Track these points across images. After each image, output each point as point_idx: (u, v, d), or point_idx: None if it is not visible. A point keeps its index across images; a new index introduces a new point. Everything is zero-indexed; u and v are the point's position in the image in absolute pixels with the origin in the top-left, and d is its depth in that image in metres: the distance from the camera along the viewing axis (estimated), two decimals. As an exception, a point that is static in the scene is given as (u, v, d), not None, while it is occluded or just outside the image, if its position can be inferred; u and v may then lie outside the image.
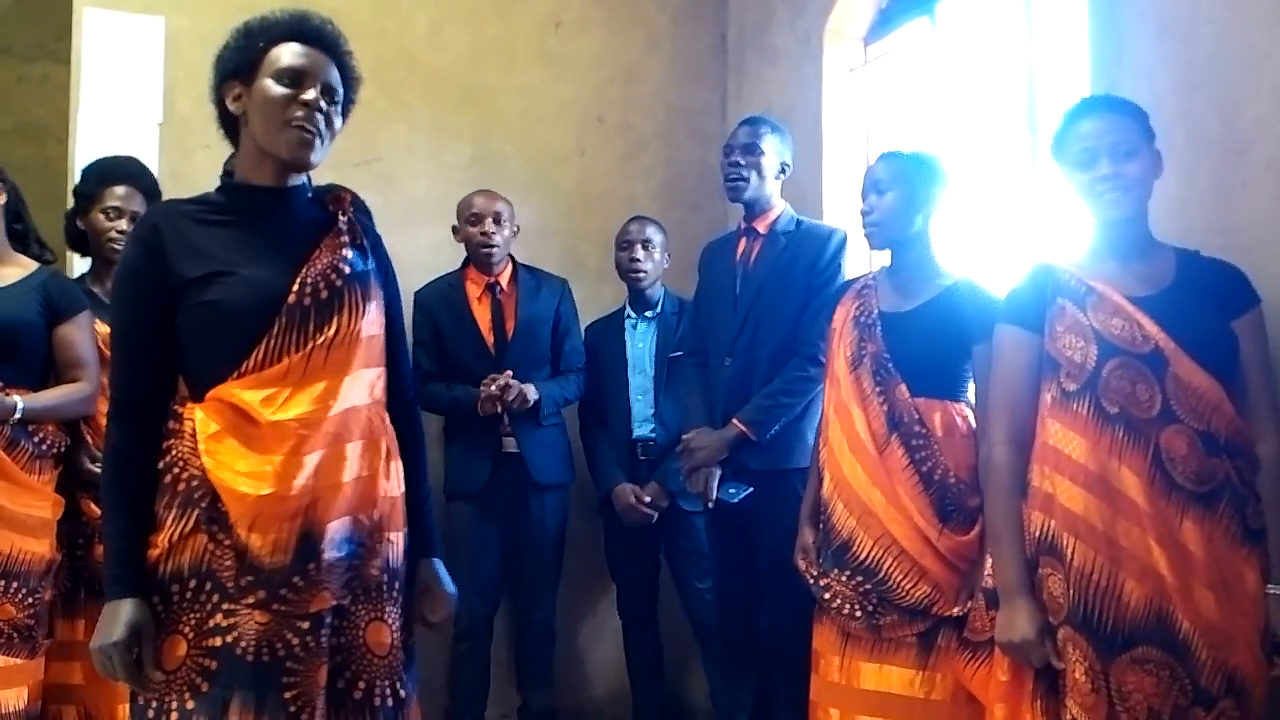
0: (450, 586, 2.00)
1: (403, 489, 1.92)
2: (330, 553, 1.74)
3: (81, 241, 3.10)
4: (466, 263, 3.67)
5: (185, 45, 3.55)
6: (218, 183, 2.03)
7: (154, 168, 3.22)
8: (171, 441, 1.78)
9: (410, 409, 2.03)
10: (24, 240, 2.90)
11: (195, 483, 1.74)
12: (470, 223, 3.60)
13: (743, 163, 3.17)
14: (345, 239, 1.88)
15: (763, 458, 3.00)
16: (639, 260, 3.69)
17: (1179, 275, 2.08)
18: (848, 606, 2.44)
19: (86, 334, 2.81)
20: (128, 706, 1.80)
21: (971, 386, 2.52)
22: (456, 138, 4.08)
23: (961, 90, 3.47)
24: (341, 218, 1.90)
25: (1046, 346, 2.10)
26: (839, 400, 2.55)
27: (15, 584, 2.59)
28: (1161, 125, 2.15)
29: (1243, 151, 2.33)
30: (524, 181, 3.86)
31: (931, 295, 2.56)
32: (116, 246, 2.92)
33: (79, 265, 3.26)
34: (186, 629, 1.72)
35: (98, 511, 2.73)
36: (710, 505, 3.09)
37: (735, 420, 3.02)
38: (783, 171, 3.23)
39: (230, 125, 1.90)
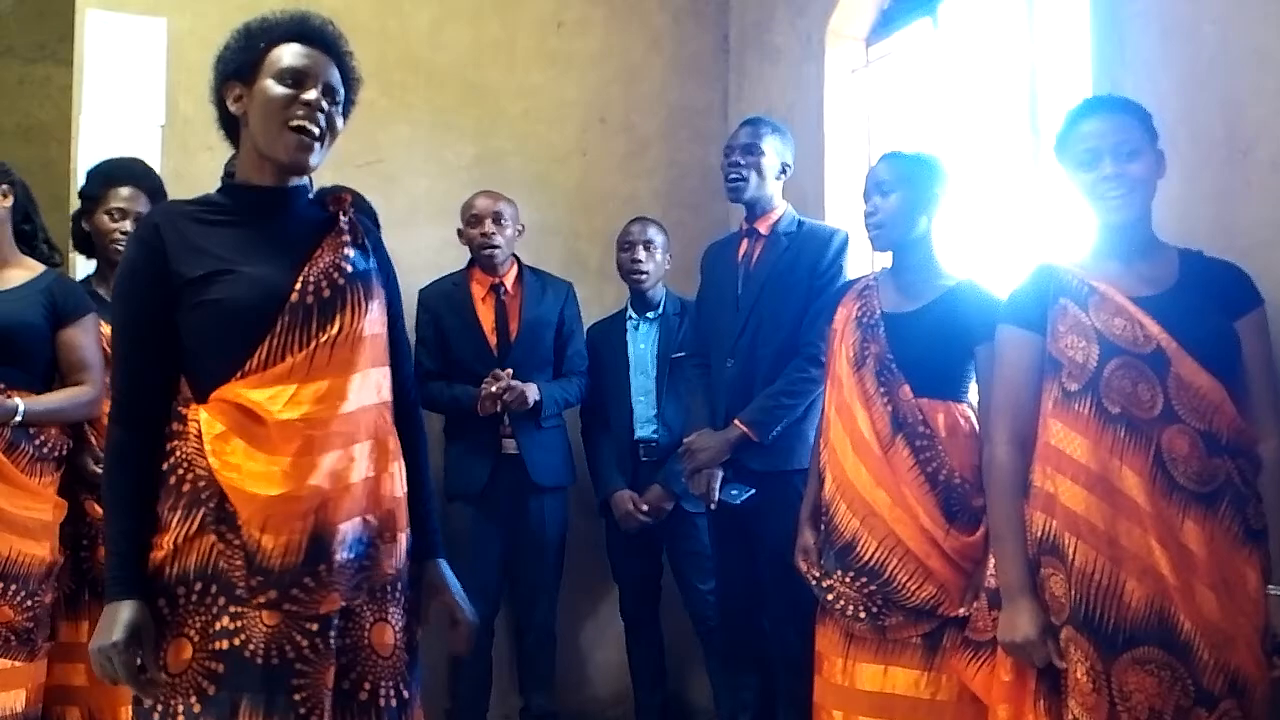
0: (460, 592, 1.99)
1: (405, 490, 1.91)
2: (341, 554, 1.74)
3: (87, 243, 3.10)
4: (472, 263, 3.67)
5: (187, 47, 3.55)
6: (220, 184, 2.02)
7: (156, 169, 3.22)
8: (175, 443, 1.78)
9: (412, 409, 2.03)
10: (32, 241, 2.90)
11: (202, 484, 1.73)
12: (471, 224, 3.60)
13: (743, 163, 3.17)
14: (346, 238, 1.87)
15: (764, 459, 3.00)
16: (640, 261, 3.69)
17: (1182, 276, 2.07)
18: (851, 608, 2.43)
19: (91, 337, 2.80)
20: (131, 708, 1.79)
21: (973, 387, 2.52)
22: (458, 137, 4.08)
23: (963, 91, 3.46)
24: (342, 217, 1.90)
25: (1048, 347, 2.10)
26: (841, 401, 2.55)
27: (14, 586, 2.59)
28: (1164, 125, 2.15)
29: (1246, 151, 2.33)
30: (525, 181, 3.86)
31: (934, 296, 2.56)
32: (120, 248, 2.92)
33: (83, 266, 3.25)
34: (192, 632, 1.72)
35: (101, 513, 2.73)
36: (712, 506, 3.09)
37: (737, 421, 3.01)
38: (783, 172, 3.23)
39: (231, 126, 1.89)
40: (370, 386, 1.84)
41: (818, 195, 3.82)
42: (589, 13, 4.31)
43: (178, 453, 1.77)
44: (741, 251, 3.22)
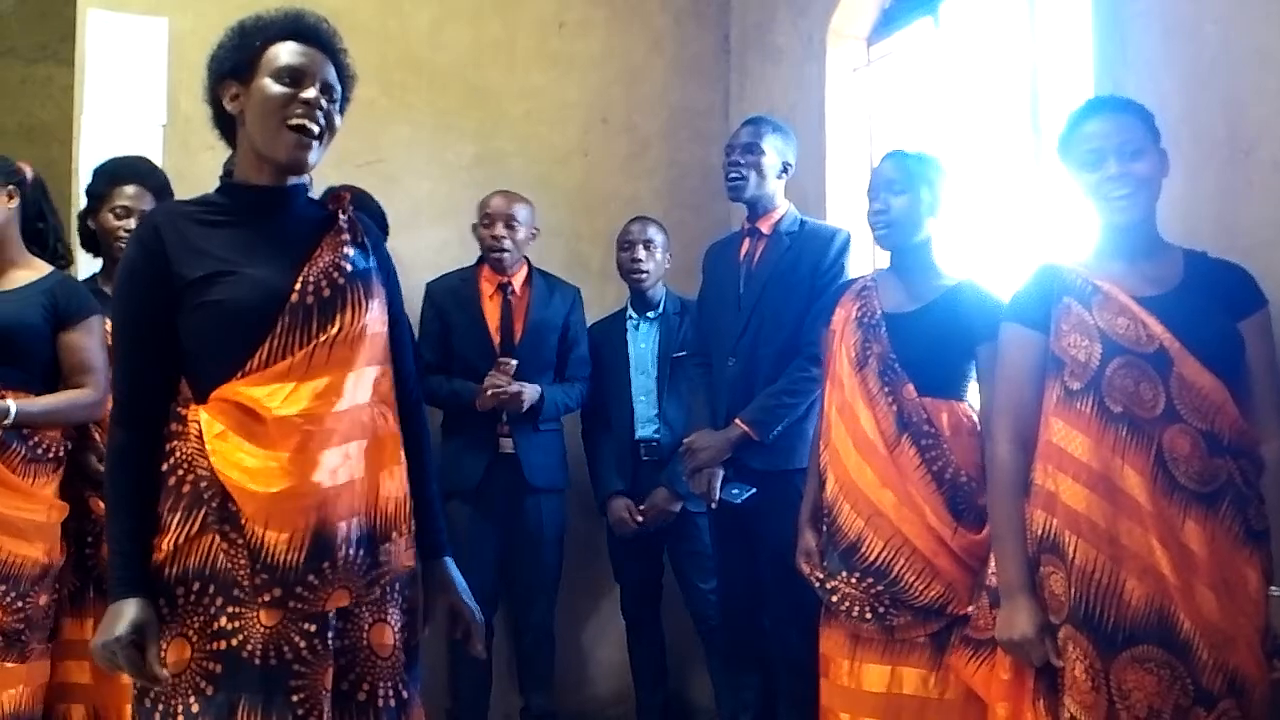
0: (467, 592, 1.98)
1: (406, 489, 1.90)
2: (344, 551, 1.74)
3: (93, 241, 3.10)
4: (481, 260, 3.67)
5: (188, 46, 3.55)
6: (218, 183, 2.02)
7: (159, 168, 3.22)
8: (175, 443, 1.77)
9: (414, 407, 2.02)
10: (45, 241, 2.90)
11: (204, 484, 1.73)
12: (484, 223, 3.60)
13: (742, 162, 3.17)
14: (346, 237, 1.87)
15: (765, 458, 3.00)
16: (640, 260, 3.69)
17: (1186, 276, 2.07)
18: (857, 609, 2.43)
19: (94, 339, 2.78)
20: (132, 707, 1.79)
21: (973, 386, 2.52)
22: (460, 138, 4.08)
23: (965, 90, 3.46)
24: (342, 216, 1.89)
25: (1051, 345, 2.10)
26: (843, 401, 2.54)
27: (3, 588, 2.57)
28: (1166, 125, 2.15)
29: (1248, 151, 2.33)
30: (527, 182, 3.86)
31: (935, 296, 2.56)
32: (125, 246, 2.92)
33: (87, 265, 3.25)
34: (190, 632, 1.72)
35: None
36: (713, 506, 3.09)
37: (738, 420, 3.01)
38: (784, 171, 3.23)
39: (226, 125, 1.89)
40: (367, 385, 1.83)
41: (819, 195, 3.82)
42: (590, 14, 4.31)
43: (177, 453, 1.77)
44: (743, 251, 3.22)
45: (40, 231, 2.89)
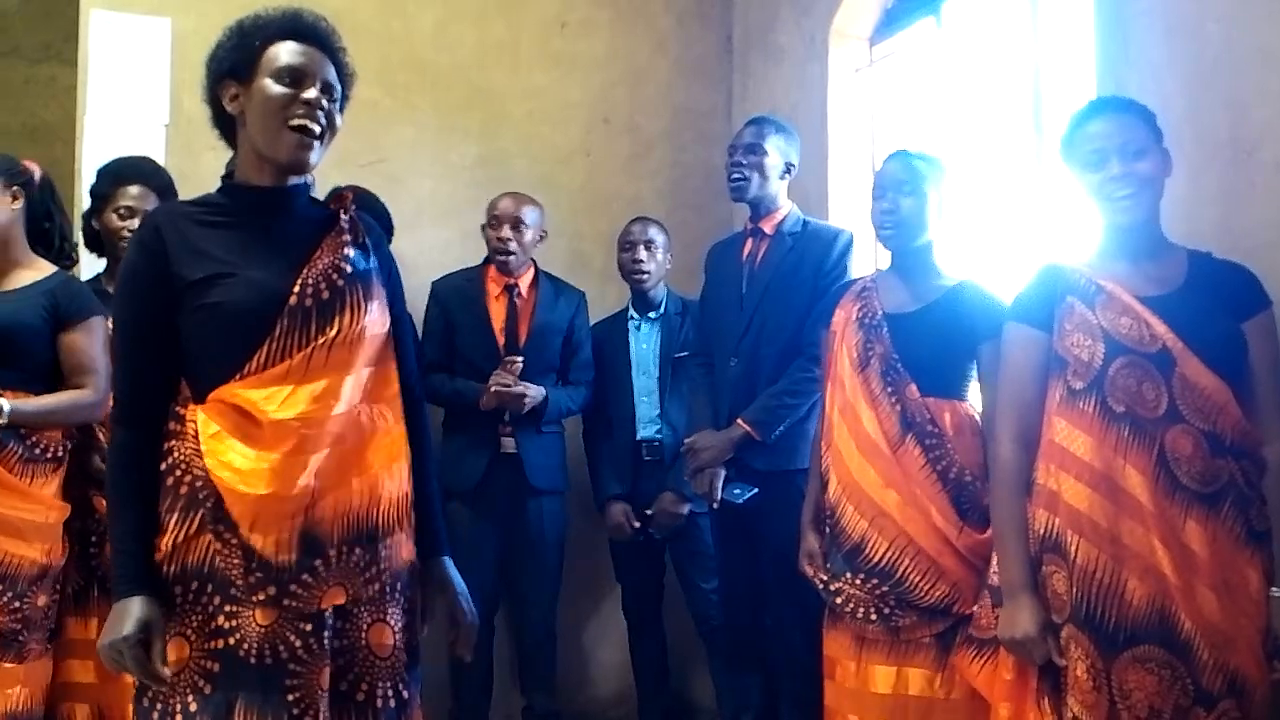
0: (464, 592, 1.98)
1: (407, 488, 1.91)
2: (337, 550, 1.74)
3: (97, 242, 3.10)
4: (488, 260, 3.67)
5: (191, 46, 3.53)
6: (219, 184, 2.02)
7: (162, 168, 3.23)
8: (173, 443, 1.78)
9: (416, 407, 2.01)
10: (50, 240, 2.89)
11: (200, 484, 1.73)
12: (491, 224, 3.61)
13: (745, 163, 3.17)
14: (347, 238, 1.86)
15: (767, 458, 3.00)
16: (642, 261, 3.69)
17: (1190, 276, 2.07)
18: (862, 610, 2.43)
19: (94, 340, 2.77)
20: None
21: (974, 385, 2.52)
22: (463, 138, 4.08)
23: (967, 90, 3.46)
24: (343, 216, 1.89)
25: (1055, 345, 2.10)
26: (845, 402, 2.54)
27: (0, 587, 2.58)
28: (1169, 125, 2.15)
29: (1251, 151, 2.33)
30: (529, 182, 3.86)
31: (936, 296, 2.56)
32: None
33: (89, 265, 3.25)
34: (189, 631, 1.72)
35: (108, 510, 2.72)
36: (715, 506, 3.09)
37: (740, 420, 3.01)
38: (787, 172, 3.23)
39: (226, 125, 1.88)
40: (367, 386, 1.83)
41: (821, 195, 3.81)
42: (593, 14, 4.31)
43: (175, 453, 1.77)
44: (746, 251, 3.22)
45: (46, 232, 2.89)
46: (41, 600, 2.65)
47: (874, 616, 2.41)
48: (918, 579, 2.37)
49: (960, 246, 2.93)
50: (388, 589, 1.83)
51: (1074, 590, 1.97)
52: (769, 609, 3.05)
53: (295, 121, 1.78)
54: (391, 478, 1.86)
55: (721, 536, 3.24)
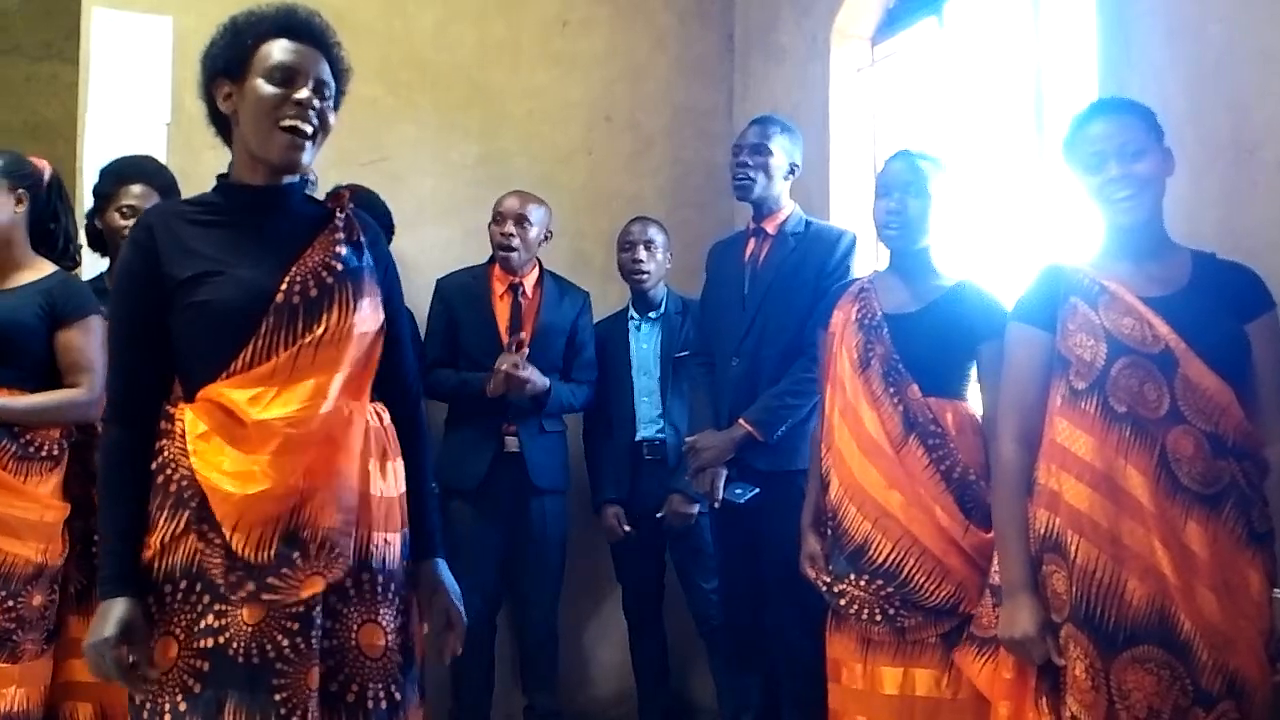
0: (456, 593, 1.96)
1: (402, 489, 1.90)
2: (320, 547, 1.73)
3: (100, 241, 3.10)
4: (493, 259, 3.67)
5: (193, 45, 3.45)
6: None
7: (163, 167, 3.22)
8: (164, 442, 1.78)
9: (413, 407, 2.01)
10: (54, 241, 2.89)
11: (185, 483, 1.74)
12: (496, 221, 3.61)
13: (750, 163, 3.16)
14: (340, 235, 1.85)
15: (769, 458, 3.00)
16: (642, 261, 3.69)
17: (1194, 277, 2.07)
18: (866, 611, 2.42)
19: (91, 339, 2.75)
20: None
21: (973, 386, 2.52)
22: (464, 137, 4.08)
23: (969, 90, 3.46)
24: (338, 214, 1.88)
25: (1057, 345, 2.10)
26: (845, 403, 2.54)
27: None
28: (1170, 126, 2.14)
29: (1253, 151, 2.33)
30: (530, 181, 3.86)
31: (935, 296, 2.56)
32: None
33: (93, 265, 3.25)
34: (178, 630, 1.72)
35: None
36: (716, 506, 3.09)
37: (742, 420, 3.01)
38: (791, 172, 3.23)
39: (222, 124, 1.87)
40: (356, 384, 1.82)
41: (823, 195, 3.81)
42: (594, 12, 4.31)
43: (165, 452, 1.77)
44: (748, 251, 3.22)
45: (51, 232, 2.88)
46: (37, 600, 2.64)
47: (879, 618, 2.41)
48: (923, 579, 2.36)
49: (962, 247, 2.93)
50: (379, 589, 1.82)
51: (1074, 590, 1.97)
52: (770, 609, 3.05)
53: (286, 122, 1.77)
54: (384, 477, 1.86)
55: (722, 536, 3.24)
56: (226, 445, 1.72)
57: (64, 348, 2.75)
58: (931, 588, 2.36)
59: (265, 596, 1.70)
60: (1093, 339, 2.03)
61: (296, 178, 1.88)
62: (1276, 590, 1.93)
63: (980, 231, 3.24)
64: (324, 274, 1.80)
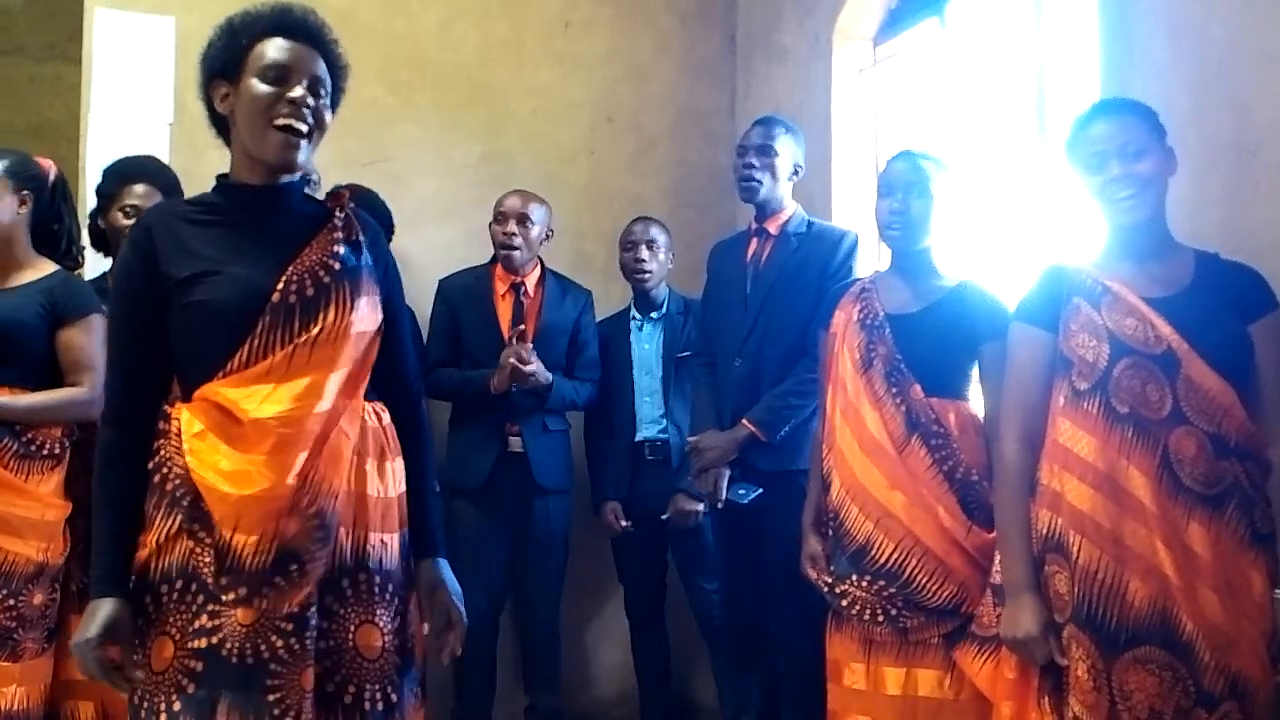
0: (457, 593, 1.96)
1: (402, 489, 1.90)
2: (317, 553, 1.73)
3: (103, 240, 3.10)
4: (495, 258, 3.68)
5: (196, 45, 3.41)
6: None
7: (166, 167, 3.23)
8: (160, 442, 1.78)
9: (414, 407, 2.01)
10: (57, 242, 2.89)
11: (178, 482, 1.74)
12: (497, 220, 3.61)
13: (756, 164, 3.16)
14: (339, 234, 1.85)
15: (772, 458, 3.00)
16: (644, 261, 3.69)
17: (1197, 277, 2.07)
18: (868, 612, 2.42)
19: (92, 337, 2.76)
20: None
21: (975, 386, 2.52)
22: (466, 137, 4.08)
23: (971, 91, 3.46)
24: (337, 213, 1.87)
25: (1060, 345, 2.10)
26: (847, 403, 2.54)
27: None
28: (1173, 126, 2.14)
29: (1255, 152, 2.33)
30: (533, 181, 3.86)
31: (937, 297, 2.56)
32: None
33: (96, 265, 3.25)
34: (174, 630, 1.72)
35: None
36: (719, 506, 3.09)
37: (745, 421, 3.01)
38: (795, 173, 3.23)
39: (222, 125, 1.87)
40: (354, 383, 1.82)
41: (825, 195, 3.81)
42: (596, 12, 4.31)
43: (161, 452, 1.78)
44: (750, 251, 3.22)
45: (55, 233, 2.89)
46: (38, 598, 2.64)
47: (881, 618, 2.40)
48: (925, 580, 2.36)
49: (964, 247, 2.93)
50: (376, 590, 1.82)
51: (1076, 590, 1.97)
52: (772, 610, 3.05)
53: (280, 121, 1.77)
54: (382, 477, 1.86)
55: (724, 536, 3.24)
56: (222, 444, 1.72)
57: (65, 346, 2.76)
58: (934, 588, 2.36)
59: (256, 603, 1.70)
60: (1095, 339, 2.03)
61: (295, 177, 1.88)
62: (1278, 591, 1.93)
63: (982, 232, 3.24)
64: (321, 273, 1.79)
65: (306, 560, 1.73)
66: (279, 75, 1.78)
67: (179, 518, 1.73)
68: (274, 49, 1.79)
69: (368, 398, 1.88)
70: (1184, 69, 2.48)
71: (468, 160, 4.07)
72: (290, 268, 1.78)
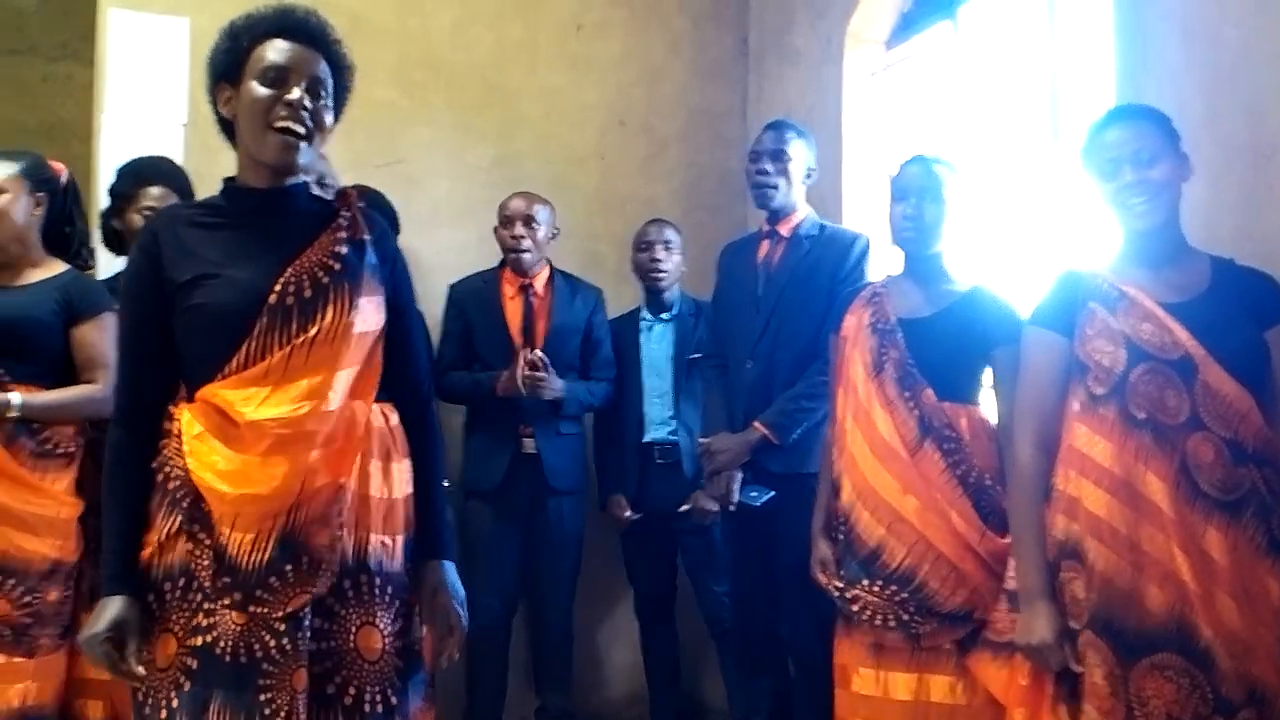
0: (459, 596, 1.94)
1: (408, 490, 1.90)
2: (314, 554, 1.73)
3: (115, 240, 3.12)
4: (504, 261, 3.68)
5: (209, 46, 3.55)
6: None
7: (180, 168, 3.24)
8: (164, 442, 1.79)
9: (422, 408, 2.00)
10: (67, 243, 2.90)
11: (179, 483, 1.75)
12: (503, 224, 3.62)
13: (771, 170, 3.15)
14: (342, 234, 1.84)
15: (783, 461, 2.99)
16: (660, 261, 3.70)
17: (1213, 283, 2.06)
18: (880, 617, 2.41)
19: (106, 335, 2.78)
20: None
21: (985, 391, 2.52)
22: (479, 139, 4.09)
23: (984, 95, 3.45)
24: (343, 213, 1.87)
25: (1076, 350, 2.10)
26: (858, 406, 2.53)
27: (12, 581, 2.58)
28: (1187, 130, 2.14)
29: (1270, 156, 2.32)
30: (544, 183, 3.87)
31: (949, 302, 2.56)
32: None
33: (109, 265, 3.26)
34: (176, 627, 1.74)
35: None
36: (731, 508, 3.08)
37: (757, 423, 3.01)
38: (808, 176, 3.23)
39: (229, 128, 1.88)
40: (356, 384, 1.82)
41: (836, 198, 3.81)
42: (609, 15, 4.32)
43: (164, 452, 1.79)
44: (762, 253, 3.22)
45: (66, 235, 2.90)
46: (53, 595, 2.65)
47: (893, 623, 2.40)
48: (937, 585, 2.36)
49: (977, 252, 2.92)
50: (377, 591, 1.82)
51: (1093, 596, 1.97)
52: (784, 613, 3.04)
53: (279, 123, 1.77)
54: (385, 478, 1.86)
55: (736, 539, 3.23)
56: (220, 445, 1.73)
57: (80, 344, 2.78)
58: (946, 593, 2.35)
59: (252, 608, 1.70)
60: (1112, 345, 2.03)
61: (299, 179, 1.89)
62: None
63: (995, 236, 3.23)
64: (320, 274, 1.79)
65: (321, 563, 1.73)
66: (277, 77, 1.78)
67: (179, 518, 1.74)
68: (273, 51, 1.79)
69: (376, 398, 1.88)
70: (1198, 72, 2.47)
71: (480, 162, 4.08)
72: (289, 269, 1.78)
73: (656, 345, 3.76)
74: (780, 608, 3.05)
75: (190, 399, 1.79)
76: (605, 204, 4.23)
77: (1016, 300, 2.54)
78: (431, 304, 3.46)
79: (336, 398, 1.77)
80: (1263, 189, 2.33)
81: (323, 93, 1.83)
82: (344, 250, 1.83)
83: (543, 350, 3.52)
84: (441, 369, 3.54)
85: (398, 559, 1.86)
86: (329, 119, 1.85)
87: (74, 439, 2.75)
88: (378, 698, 1.78)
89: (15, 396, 2.63)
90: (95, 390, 2.75)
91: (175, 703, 1.70)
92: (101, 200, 3.18)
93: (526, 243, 3.56)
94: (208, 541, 1.72)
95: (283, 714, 1.68)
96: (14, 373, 2.68)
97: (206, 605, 1.72)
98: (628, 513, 3.65)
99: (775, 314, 3.09)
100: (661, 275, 3.71)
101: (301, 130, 1.78)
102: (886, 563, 2.41)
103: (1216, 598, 1.89)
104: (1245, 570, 1.90)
